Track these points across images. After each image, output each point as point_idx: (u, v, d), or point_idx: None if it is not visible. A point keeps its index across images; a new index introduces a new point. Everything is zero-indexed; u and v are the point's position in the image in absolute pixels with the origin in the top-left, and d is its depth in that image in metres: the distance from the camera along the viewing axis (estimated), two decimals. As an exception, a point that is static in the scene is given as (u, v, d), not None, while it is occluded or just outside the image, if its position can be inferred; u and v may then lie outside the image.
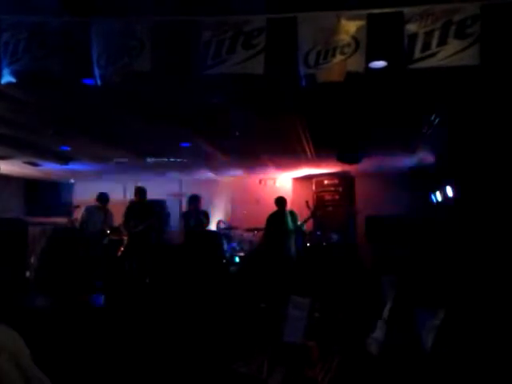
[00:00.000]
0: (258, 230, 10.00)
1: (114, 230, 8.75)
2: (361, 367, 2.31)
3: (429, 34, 3.08)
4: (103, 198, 8.53)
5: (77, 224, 8.81)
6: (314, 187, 11.45)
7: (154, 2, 3.33)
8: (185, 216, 8.83)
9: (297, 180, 12.00)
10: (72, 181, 12.84)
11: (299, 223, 8.70)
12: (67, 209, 11.75)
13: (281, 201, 8.66)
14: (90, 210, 8.55)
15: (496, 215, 5.44)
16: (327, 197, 11.32)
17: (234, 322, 2.74)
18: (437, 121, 5.97)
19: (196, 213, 8.63)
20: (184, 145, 8.14)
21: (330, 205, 11.28)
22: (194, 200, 8.75)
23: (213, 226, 10.31)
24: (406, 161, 9.34)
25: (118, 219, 8.53)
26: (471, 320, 1.87)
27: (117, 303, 2.84)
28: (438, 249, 2.19)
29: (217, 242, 8.36)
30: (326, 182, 11.37)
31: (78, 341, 1.67)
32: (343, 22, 3.17)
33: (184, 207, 10.95)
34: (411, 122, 6.33)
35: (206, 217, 8.72)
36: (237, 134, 6.96)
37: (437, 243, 2.23)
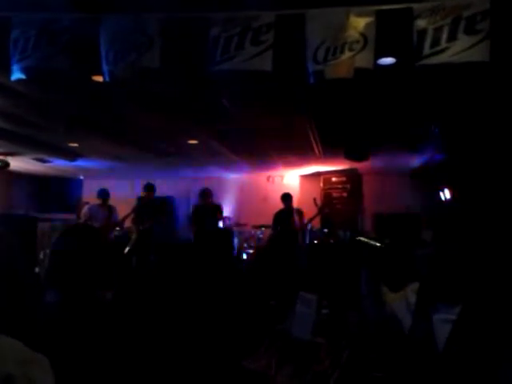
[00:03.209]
0: (265, 227, 10.00)
1: (119, 225, 8.72)
2: (370, 362, 2.31)
3: (438, 30, 3.05)
4: (104, 193, 8.41)
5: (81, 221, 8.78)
6: (321, 184, 11.41)
7: (162, -1, 3.34)
8: (195, 211, 8.49)
9: (304, 177, 11.96)
10: (81, 177, 12.91)
11: (305, 221, 8.64)
12: (76, 205, 11.82)
13: (287, 197, 8.53)
14: (92, 209, 8.46)
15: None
16: (335, 194, 11.28)
17: (243, 319, 2.74)
18: (446, 119, 5.93)
19: (208, 208, 8.36)
20: (193, 142, 8.15)
21: (338, 202, 11.25)
22: (206, 195, 8.41)
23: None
24: (415, 158, 9.30)
25: (123, 215, 8.44)
26: (488, 316, 1.85)
27: (125, 298, 2.85)
28: (453, 244, 2.15)
29: (228, 240, 8.24)
30: (333, 179, 11.33)
31: (89, 336, 1.67)
32: (352, 18, 3.16)
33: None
34: (420, 120, 6.30)
35: (219, 211, 8.52)
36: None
37: (451, 239, 2.20)
